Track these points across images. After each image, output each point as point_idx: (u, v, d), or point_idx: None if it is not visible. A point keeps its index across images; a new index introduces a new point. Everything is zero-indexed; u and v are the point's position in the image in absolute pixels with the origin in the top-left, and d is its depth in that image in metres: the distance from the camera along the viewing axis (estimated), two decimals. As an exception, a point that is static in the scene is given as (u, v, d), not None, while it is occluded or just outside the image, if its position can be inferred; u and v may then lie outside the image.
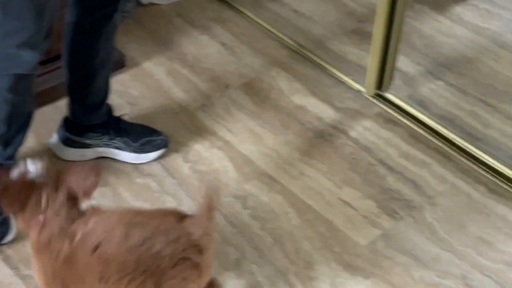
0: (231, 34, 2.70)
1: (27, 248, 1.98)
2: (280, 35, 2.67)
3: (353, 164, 2.26)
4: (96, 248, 1.54)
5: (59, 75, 2.20)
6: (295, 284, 1.95)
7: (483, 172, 2.20)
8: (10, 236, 1.99)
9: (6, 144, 1.94)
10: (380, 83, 2.44)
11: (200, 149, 2.31)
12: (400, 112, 2.39)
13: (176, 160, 2.27)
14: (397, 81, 2.49)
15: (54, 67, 2.28)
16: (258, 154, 2.30)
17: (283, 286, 1.94)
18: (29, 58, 1.79)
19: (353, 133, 2.35)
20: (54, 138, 2.22)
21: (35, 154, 2.22)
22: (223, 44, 2.66)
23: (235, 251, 2.03)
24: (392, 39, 2.35)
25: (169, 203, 2.14)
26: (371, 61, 2.42)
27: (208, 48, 2.64)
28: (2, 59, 1.79)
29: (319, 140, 2.34)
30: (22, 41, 1.75)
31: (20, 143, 1.98)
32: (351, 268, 1.98)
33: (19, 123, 1.92)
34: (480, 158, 2.22)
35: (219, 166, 2.26)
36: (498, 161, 2.20)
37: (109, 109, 2.20)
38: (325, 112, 2.42)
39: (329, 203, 2.15)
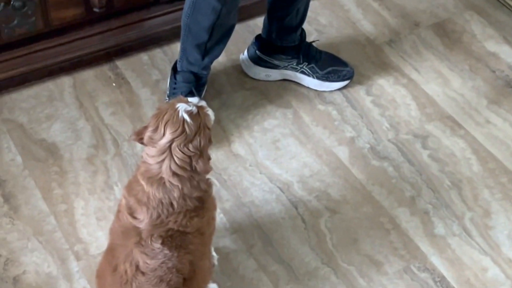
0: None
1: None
2: (477, -22, 2.57)
3: (543, 118, 2.16)
4: None
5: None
6: (470, 230, 1.92)
7: None
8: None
9: (205, 53, 2.01)
10: None
11: (384, 84, 2.29)
12: None
13: (359, 92, 2.26)
14: None
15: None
16: (443, 96, 2.25)
17: (457, 230, 1.92)
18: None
19: (546, 87, 2.24)
20: (244, 55, 2.27)
21: (224, 69, 2.30)
22: (416, -19, 2.60)
23: (411, 188, 2.01)
24: None
25: (348, 133, 2.15)
26: None
27: (400, -16, 2.59)
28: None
29: (510, 89, 2.25)
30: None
31: (217, 55, 2.05)
32: (531, 223, 1.92)
33: (221, 34, 1.98)
34: None
35: (401, 103, 2.23)
36: None
37: (303, 34, 2.22)
38: (518, 62, 2.32)
39: (513, 154, 2.08)
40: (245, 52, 2.27)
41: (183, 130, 1.50)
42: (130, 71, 2.28)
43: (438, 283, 1.81)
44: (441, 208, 1.97)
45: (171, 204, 1.52)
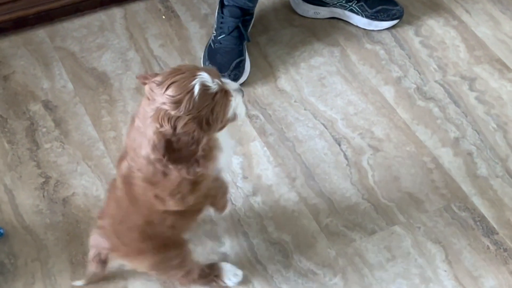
0: None
1: (256, 90, 2.10)
2: None
3: None
4: None
5: None
6: (513, 172, 1.92)
7: None
8: (244, 77, 2.10)
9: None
10: None
11: (434, 25, 2.26)
12: None
13: (408, 32, 2.24)
14: None
15: None
16: (494, 39, 2.21)
17: (500, 171, 1.92)
18: None
19: None
20: (293, -9, 2.28)
21: (273, 5, 2.30)
22: None
23: (455, 129, 2.01)
24: None
25: (395, 73, 2.14)
26: None
27: None
28: None
29: (563, 34, 2.21)
30: None
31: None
32: None
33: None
34: None
35: (450, 45, 2.21)
36: None
37: (352, -31, 2.21)
38: None
39: (562, 99, 2.06)
40: (295, -12, 2.27)
41: (181, 101, 1.28)
42: (179, 5, 2.30)
43: (478, 223, 1.83)
44: (485, 149, 1.97)
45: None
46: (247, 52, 2.14)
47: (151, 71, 2.12)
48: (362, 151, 1.98)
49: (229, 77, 2.04)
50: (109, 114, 2.03)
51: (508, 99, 2.07)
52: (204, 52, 2.14)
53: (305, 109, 2.07)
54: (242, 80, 2.09)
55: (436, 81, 2.13)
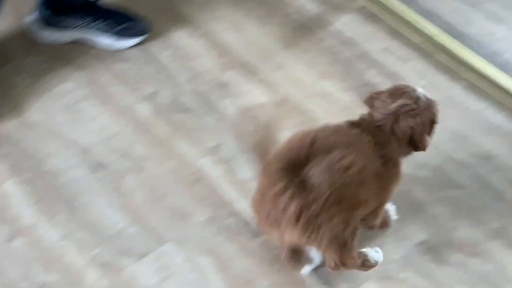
0: None
1: (2, 127, 1.97)
2: None
3: (334, 56, 2.25)
4: None
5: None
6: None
7: (462, 69, 2.21)
8: None
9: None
10: (365, -23, 2.41)
11: (181, 36, 2.27)
12: (382, 6, 2.36)
13: (156, 47, 2.24)
14: (382, -25, 2.45)
15: None
16: (239, 44, 2.27)
17: (260, 173, 1.98)
18: None
19: (335, 26, 2.32)
20: (32, 17, 2.17)
21: (13, 33, 2.18)
22: None
23: (214, 138, 2.03)
24: None
25: (148, 89, 2.12)
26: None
27: None
28: None
29: (302, 31, 2.31)
30: None
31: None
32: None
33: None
34: (461, 55, 2.22)
35: (199, 54, 2.24)
36: (478, 58, 2.21)
37: (90, -10, 2.15)
38: (309, 5, 2.38)
39: (309, 94, 2.15)
40: (34, 14, 2.17)
41: (416, 103, 1.67)
42: None
43: (244, 227, 1.85)
44: (244, 154, 2.00)
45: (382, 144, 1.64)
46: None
47: None
48: (124, 174, 1.94)
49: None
50: None
51: (260, 101, 2.13)
52: None
53: (59, 139, 1.98)
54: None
55: (189, 92, 2.14)
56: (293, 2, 2.38)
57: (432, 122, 1.70)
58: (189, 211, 1.88)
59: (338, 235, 1.58)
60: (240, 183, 1.94)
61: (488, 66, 2.18)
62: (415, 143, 1.68)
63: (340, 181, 1.54)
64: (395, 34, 2.31)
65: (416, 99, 1.67)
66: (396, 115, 1.65)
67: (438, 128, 1.74)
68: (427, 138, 1.68)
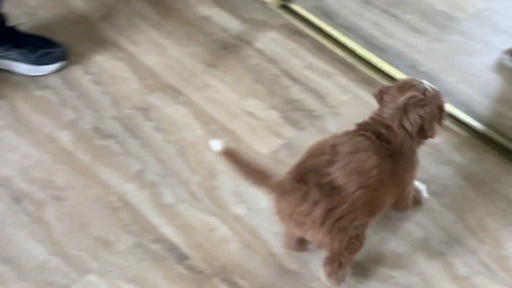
0: None
1: None
2: None
3: (258, 75, 2.24)
4: None
5: None
6: (197, 194, 1.95)
7: (384, 82, 2.22)
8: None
9: None
10: (286, -6, 2.41)
11: (102, 60, 2.24)
12: (305, 23, 2.37)
13: (77, 72, 2.20)
14: (303, -9, 2.47)
15: None
16: (162, 66, 2.25)
17: (185, 196, 1.94)
18: None
19: (258, 45, 2.32)
20: None
21: None
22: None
23: (137, 162, 2.00)
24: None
25: (69, 116, 2.08)
26: (277, -29, 2.38)
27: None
28: None
29: (224, 51, 2.31)
30: None
31: None
32: (254, 177, 2.00)
33: None
34: (382, 68, 2.24)
35: (121, 78, 2.21)
36: (399, 71, 2.23)
37: (3, 18, 2.10)
38: (231, 23, 2.38)
39: (233, 114, 2.14)
40: None
41: (423, 94, 1.72)
42: None
43: (170, 252, 1.83)
44: (169, 177, 1.98)
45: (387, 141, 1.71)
46: None
47: None
48: (45, 204, 1.89)
49: None
50: None
51: (183, 123, 2.11)
52: None
53: (-23, 172, 1.93)
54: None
55: (112, 117, 2.10)
56: (215, 21, 2.37)
57: (440, 109, 1.76)
58: (113, 239, 1.84)
59: (359, 236, 1.69)
60: (165, 208, 1.91)
61: (409, 78, 2.22)
62: (425, 132, 1.74)
63: (364, 183, 1.64)
64: (318, 49, 2.32)
65: (424, 90, 1.74)
66: (404, 108, 1.71)
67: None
68: (436, 126, 1.75)
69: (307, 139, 2.08)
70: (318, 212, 1.61)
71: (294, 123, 2.12)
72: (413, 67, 2.26)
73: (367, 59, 2.27)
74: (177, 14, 2.39)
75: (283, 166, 2.00)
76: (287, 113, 2.15)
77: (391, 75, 2.22)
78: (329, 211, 1.61)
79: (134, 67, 2.24)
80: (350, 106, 2.17)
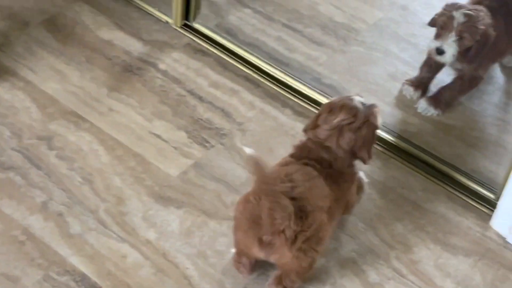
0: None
1: None
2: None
3: (163, 96, 2.22)
4: None
5: None
6: (105, 221, 1.90)
7: (289, 96, 2.23)
8: None
9: None
10: (187, 14, 2.39)
11: (0, 90, 2.17)
12: (208, 41, 2.37)
13: (-27, 104, 2.13)
14: (204, 10, 2.45)
15: None
16: (63, 93, 2.19)
17: (93, 224, 1.89)
18: None
19: (162, 66, 2.30)
20: None
21: None
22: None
23: (41, 193, 1.94)
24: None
25: (-32, 150, 2.00)
26: (177, -9, 2.37)
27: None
28: None
29: (128, 74, 2.27)
30: None
31: None
32: (163, 200, 1.96)
33: None
34: (286, 82, 2.26)
35: (21, 108, 2.13)
36: (303, 84, 2.24)
37: None
38: (133, 46, 2.35)
39: (139, 137, 2.10)
40: None
41: (355, 116, 1.74)
42: None
43: (79, 283, 1.77)
44: (75, 206, 1.92)
45: (329, 164, 1.76)
46: None
47: None
48: None
49: None
50: None
51: (88, 149, 2.06)
52: None
53: None
54: None
55: (12, 149, 2.03)
56: (117, 44, 2.34)
57: (373, 131, 1.79)
58: (19, 274, 1.77)
59: (314, 257, 1.73)
60: (72, 238, 1.85)
61: (312, 91, 2.23)
62: (355, 155, 1.79)
63: (325, 207, 1.69)
64: (223, 67, 2.31)
65: (356, 111, 1.76)
66: (340, 129, 1.76)
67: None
68: (366, 150, 1.78)
69: (216, 157, 2.07)
70: (290, 231, 1.63)
71: (202, 142, 2.10)
72: (317, 80, 2.29)
73: (271, 74, 2.28)
74: (77, 39, 2.34)
75: (192, 187, 1.99)
76: (195, 133, 2.13)
77: (296, 89, 2.24)
78: (300, 231, 1.65)
79: (34, 96, 2.17)
80: (257, 121, 2.17)
